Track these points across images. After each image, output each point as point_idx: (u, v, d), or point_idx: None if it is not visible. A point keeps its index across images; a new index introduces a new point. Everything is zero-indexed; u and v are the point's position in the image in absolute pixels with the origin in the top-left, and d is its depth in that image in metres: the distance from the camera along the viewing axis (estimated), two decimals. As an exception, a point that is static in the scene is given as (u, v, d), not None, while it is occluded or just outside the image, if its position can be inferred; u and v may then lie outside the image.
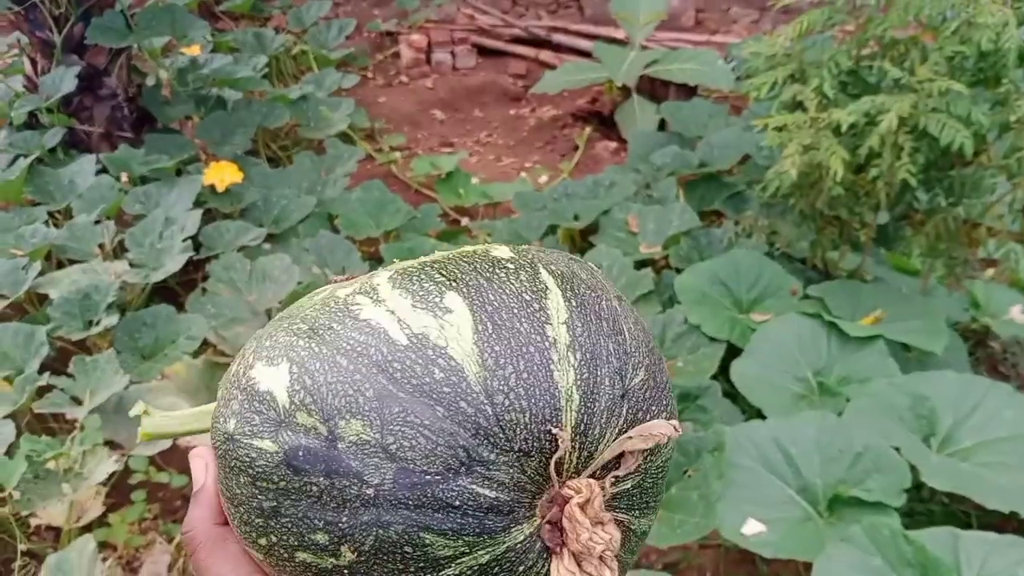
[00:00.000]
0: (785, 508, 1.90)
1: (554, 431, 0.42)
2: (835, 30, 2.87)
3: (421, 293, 0.44)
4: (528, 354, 0.43)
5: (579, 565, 0.42)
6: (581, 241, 3.32)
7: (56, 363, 2.57)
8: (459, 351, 0.42)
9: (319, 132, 4.15)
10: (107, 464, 2.14)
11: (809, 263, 2.87)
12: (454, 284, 0.45)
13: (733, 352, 2.41)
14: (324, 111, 4.23)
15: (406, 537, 0.40)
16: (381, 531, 0.40)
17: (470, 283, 0.45)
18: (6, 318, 2.70)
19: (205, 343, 2.63)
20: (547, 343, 0.43)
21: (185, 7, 4.13)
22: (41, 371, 2.42)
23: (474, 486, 0.41)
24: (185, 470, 2.37)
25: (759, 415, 2.21)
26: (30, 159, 3.41)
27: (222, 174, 3.31)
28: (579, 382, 0.43)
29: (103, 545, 2.15)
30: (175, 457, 2.39)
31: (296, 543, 0.42)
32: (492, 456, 0.41)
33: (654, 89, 4.48)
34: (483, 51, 5.47)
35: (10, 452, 2.16)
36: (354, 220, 3.32)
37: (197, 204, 3.24)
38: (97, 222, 3.13)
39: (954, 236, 2.51)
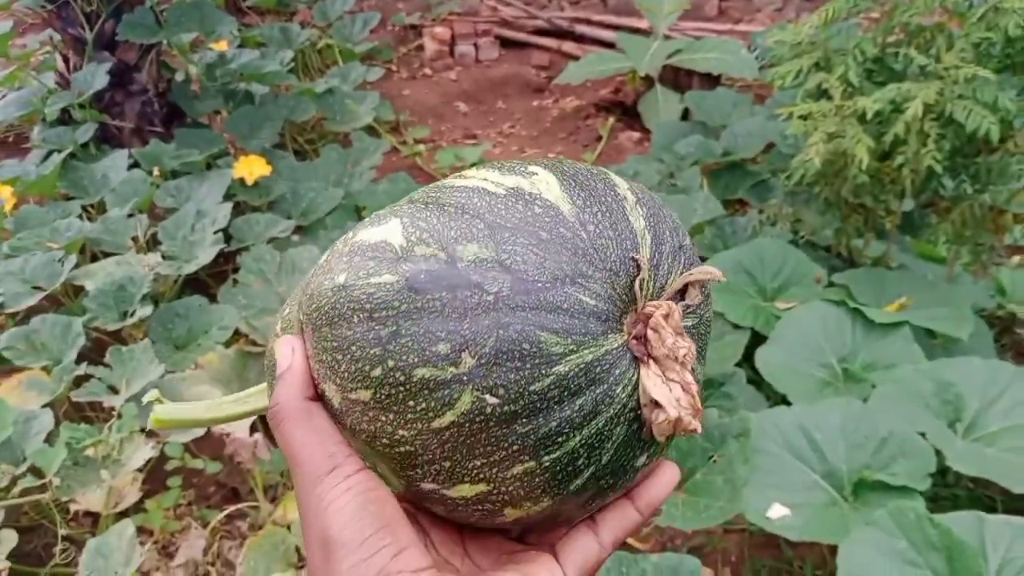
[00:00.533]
0: (810, 493, 1.92)
1: (635, 257, 0.49)
2: (860, 17, 2.87)
3: (507, 167, 0.52)
4: (607, 202, 0.50)
5: (663, 373, 0.49)
6: (605, 231, 3.33)
7: (92, 353, 2.64)
8: (551, 196, 0.49)
9: (345, 125, 4.19)
10: (144, 451, 2.19)
11: (834, 251, 2.87)
12: (532, 162, 0.52)
13: (757, 340, 2.42)
14: (350, 104, 4.27)
15: (524, 335, 0.46)
16: (502, 331, 0.45)
17: (545, 163, 0.52)
18: (43, 310, 2.77)
19: (237, 333, 2.68)
20: (620, 197, 0.51)
21: (213, 3, 4.18)
22: (78, 361, 2.49)
23: (577, 293, 0.47)
24: (218, 457, 2.43)
25: (784, 401, 2.22)
26: (63, 154, 3.48)
27: (251, 167, 3.37)
28: (648, 228, 0.51)
29: (139, 530, 2.20)
30: (209, 444, 2.45)
31: (416, 360, 0.46)
32: (590, 271, 0.48)
33: (677, 79, 4.48)
34: (506, 43, 5.49)
35: (50, 440, 2.22)
36: (380, 212, 3.35)
37: (227, 197, 3.30)
38: (130, 215, 3.19)
39: (980, 223, 2.50)
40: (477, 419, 0.46)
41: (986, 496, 2.12)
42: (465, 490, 0.49)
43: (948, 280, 2.66)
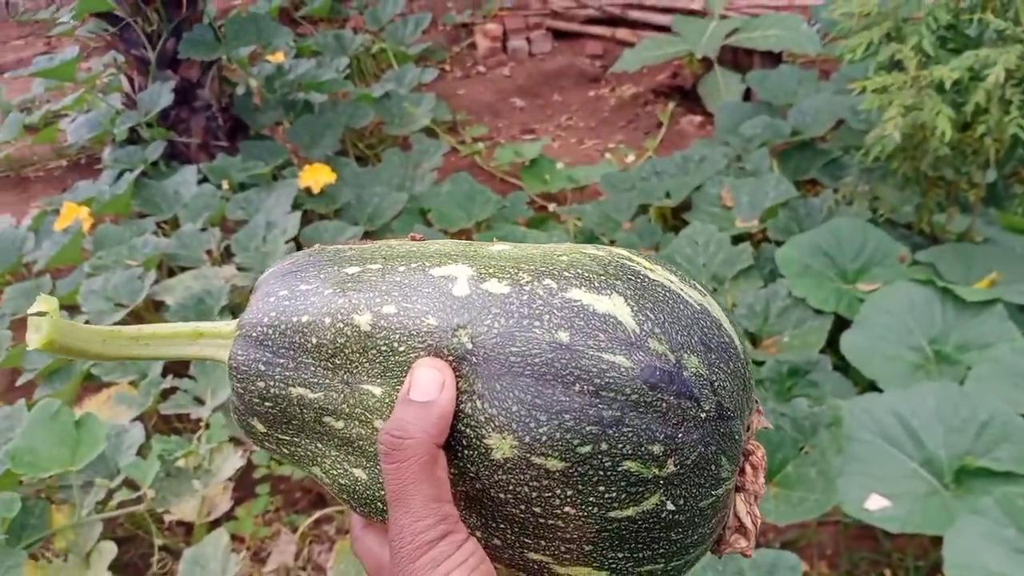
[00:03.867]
0: (909, 482, 1.86)
1: (755, 398, 0.55)
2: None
3: (679, 274, 0.54)
4: (741, 330, 0.57)
5: (747, 502, 0.54)
6: (673, 219, 3.28)
7: (177, 366, 2.70)
8: (728, 328, 0.52)
9: (404, 128, 4.22)
10: (234, 460, 2.23)
11: (915, 228, 2.78)
12: (687, 276, 0.54)
13: (841, 324, 2.36)
14: (408, 107, 4.29)
15: (713, 457, 0.48)
16: (703, 448, 0.48)
17: (687, 277, 0.54)
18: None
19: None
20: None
21: (268, 15, 4.23)
22: (163, 374, 2.54)
23: (740, 428, 0.51)
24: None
25: (873, 388, 2.15)
26: (135, 173, 3.57)
27: (316, 176, 3.40)
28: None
29: (231, 538, 2.24)
30: (293, 452, 2.48)
31: (630, 451, 0.46)
32: (746, 407, 0.53)
33: (737, 59, 4.39)
34: (558, 34, 5.45)
35: (142, 452, 2.27)
36: (446, 213, 3.36)
37: (295, 207, 3.34)
38: (203, 229, 3.25)
39: (1072, 191, 2.39)
40: (650, 519, 0.48)
41: (1096, 477, 2.02)
42: (582, 572, 0.49)
43: (1039, 252, 2.55)
